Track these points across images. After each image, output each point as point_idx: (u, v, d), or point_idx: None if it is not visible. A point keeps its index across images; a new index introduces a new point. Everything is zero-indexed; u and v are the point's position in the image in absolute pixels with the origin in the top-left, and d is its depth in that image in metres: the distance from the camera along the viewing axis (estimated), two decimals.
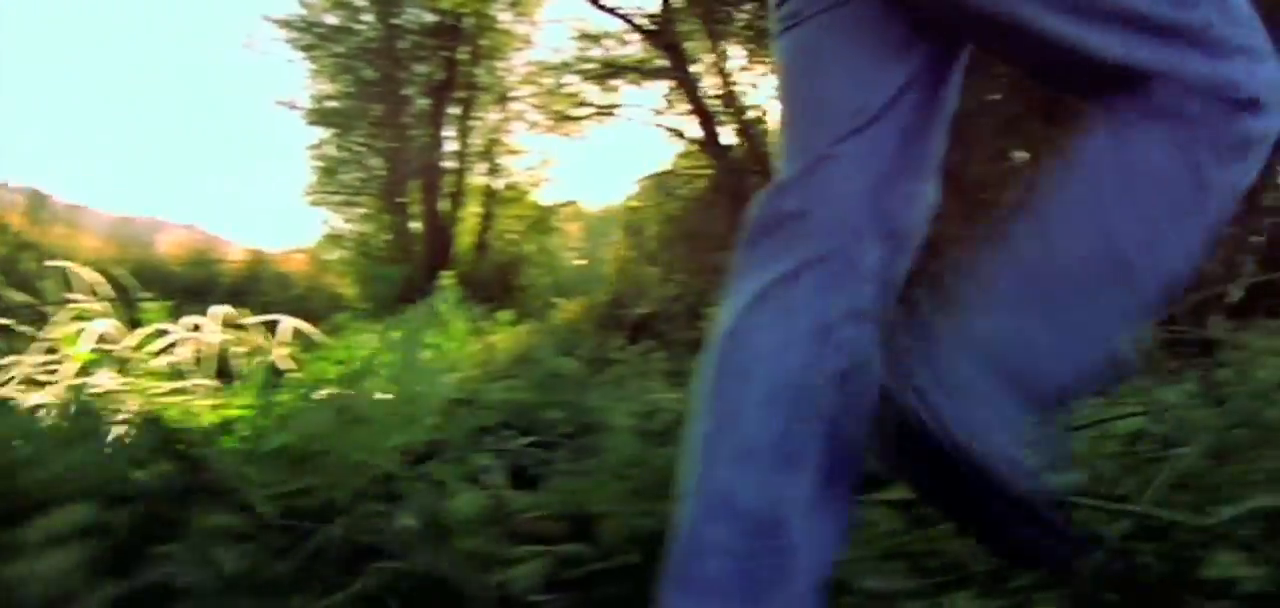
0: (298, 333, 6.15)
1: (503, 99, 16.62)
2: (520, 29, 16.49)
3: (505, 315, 7.73)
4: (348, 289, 15.86)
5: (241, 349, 4.92)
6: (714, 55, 9.27)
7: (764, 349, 1.46)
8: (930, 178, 1.58)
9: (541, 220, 16.52)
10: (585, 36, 12.00)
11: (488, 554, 2.23)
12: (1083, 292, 1.32)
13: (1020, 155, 9.92)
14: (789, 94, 1.58)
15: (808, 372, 1.43)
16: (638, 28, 9.93)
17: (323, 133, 17.57)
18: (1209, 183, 1.29)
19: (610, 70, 11.04)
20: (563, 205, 17.80)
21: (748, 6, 9.28)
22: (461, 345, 6.35)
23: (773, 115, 9.55)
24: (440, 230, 15.69)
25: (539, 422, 4.67)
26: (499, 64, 16.68)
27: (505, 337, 7.41)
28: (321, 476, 2.52)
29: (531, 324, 9.02)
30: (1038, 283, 1.33)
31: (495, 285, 14.11)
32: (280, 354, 4.63)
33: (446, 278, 6.64)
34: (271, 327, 5.27)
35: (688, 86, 9.26)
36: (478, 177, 16.69)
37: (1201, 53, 1.29)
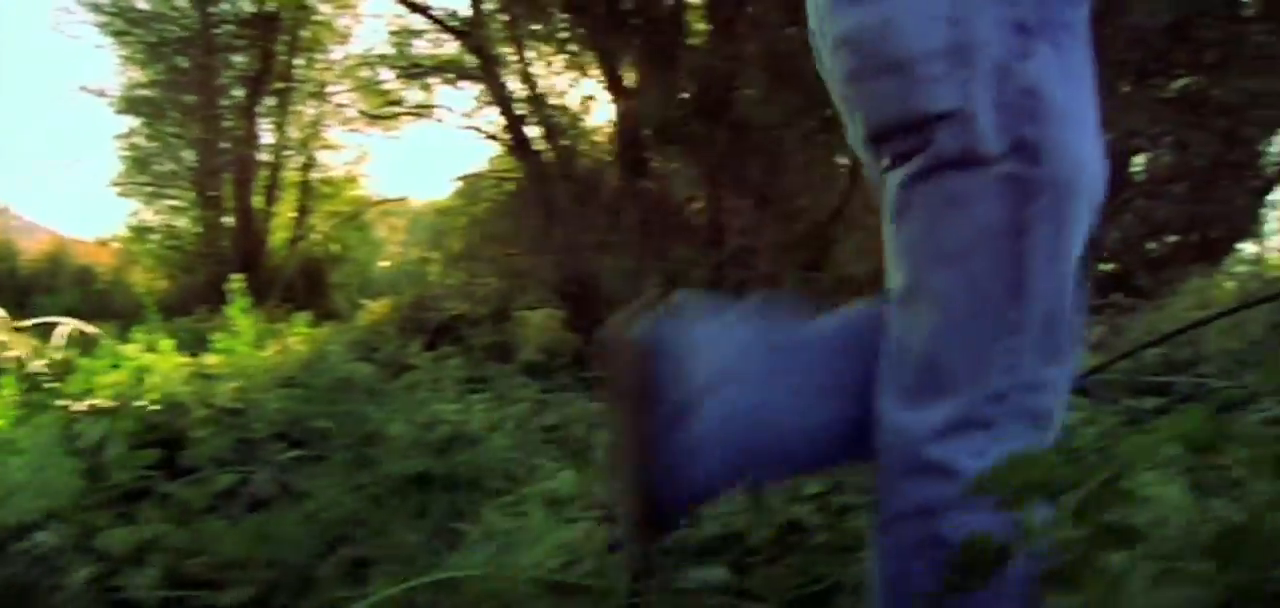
0: (80, 334, 5.97)
1: (320, 93, 16.34)
2: (340, 22, 16.28)
3: (302, 317, 7.60)
4: (155, 284, 15.40)
5: (10, 354, 4.78)
6: (520, 59, 9.27)
7: None
8: None
9: (354, 217, 16.31)
10: (403, 32, 11.88)
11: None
12: None
13: (840, 163, 10.18)
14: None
15: None
16: (447, 27, 9.87)
17: (133, 121, 17.02)
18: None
19: (423, 69, 10.94)
20: (388, 202, 17.61)
21: (556, 12, 9.31)
22: (250, 350, 6.23)
23: (585, 119, 9.61)
24: (253, 226, 15.35)
25: (315, 433, 4.62)
26: (317, 57, 16.40)
27: (302, 339, 7.30)
28: None
29: (333, 326, 8.89)
30: None
31: (307, 283, 13.88)
32: (40, 362, 4.51)
33: (236, 280, 6.52)
34: (48, 328, 5.12)
35: (497, 89, 9.24)
36: (293, 171, 16.38)
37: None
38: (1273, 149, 10.84)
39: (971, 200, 1.39)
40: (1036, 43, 1.37)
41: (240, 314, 6.23)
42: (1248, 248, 14.79)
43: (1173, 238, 10.48)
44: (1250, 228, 12.37)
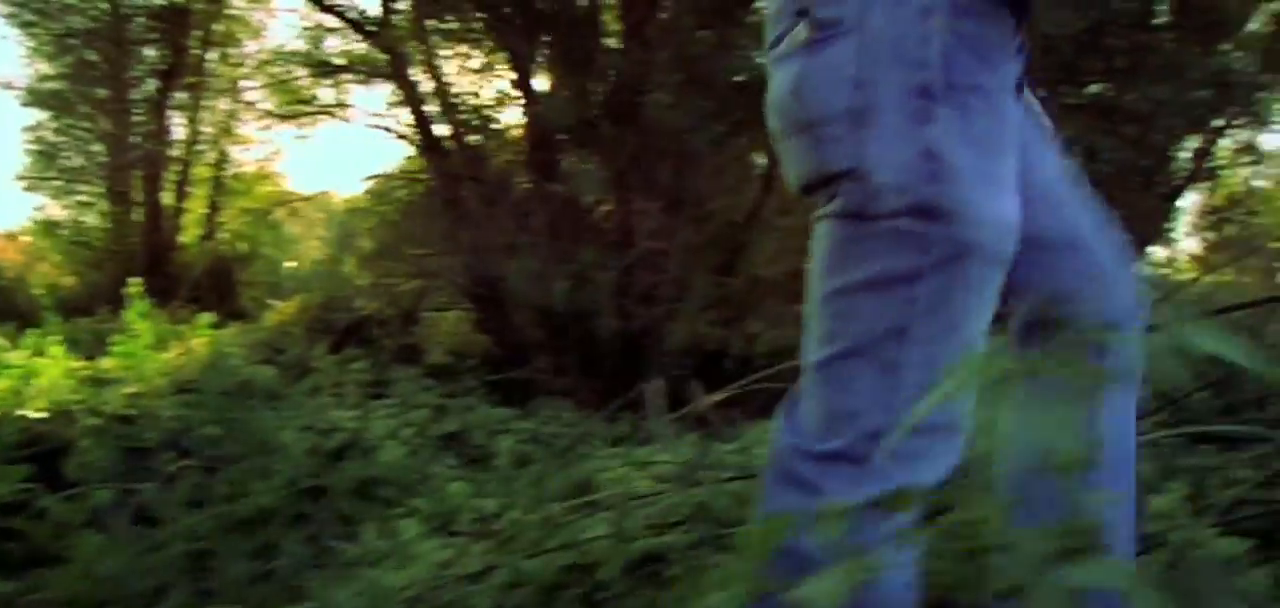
0: None
1: (233, 88, 16.10)
2: (254, 17, 16.06)
3: (206, 317, 7.48)
4: (62, 280, 15.11)
5: None
6: (429, 59, 9.20)
7: None
8: None
9: (266, 214, 16.08)
10: (318, 28, 11.72)
11: None
12: None
13: (755, 164, 10.21)
14: None
15: None
16: (356, 25, 9.78)
17: (40, 114, 16.65)
18: None
19: (334, 67, 10.80)
20: (301, 199, 17.38)
21: (467, 10, 9.25)
22: (149, 353, 6.13)
23: (496, 120, 9.56)
24: (162, 222, 15.09)
25: (209, 441, 4.55)
26: (231, 51, 16.16)
27: (205, 341, 7.19)
28: None
29: (238, 327, 8.77)
30: None
31: (217, 282, 13.68)
32: None
33: (134, 284, 6.41)
34: None
35: (407, 88, 9.17)
36: (205, 167, 16.11)
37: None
38: (1182, 155, 11.08)
39: (866, 249, 1.45)
40: (940, 107, 1.43)
41: (138, 318, 6.13)
42: (1158, 252, 15.20)
43: None
44: (1160, 232, 12.68)
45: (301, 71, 12.19)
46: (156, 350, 6.32)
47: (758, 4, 9.32)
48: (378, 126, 10.29)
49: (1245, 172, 15.14)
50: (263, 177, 16.83)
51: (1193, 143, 10.90)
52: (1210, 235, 16.43)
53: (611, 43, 9.07)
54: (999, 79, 1.51)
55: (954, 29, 1.45)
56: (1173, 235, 15.45)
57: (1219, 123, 10.78)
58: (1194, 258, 16.71)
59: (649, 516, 2.50)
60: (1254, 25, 11.08)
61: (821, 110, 1.47)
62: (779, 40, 1.58)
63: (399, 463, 4.32)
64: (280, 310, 9.99)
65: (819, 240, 1.53)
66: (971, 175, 1.43)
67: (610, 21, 9.16)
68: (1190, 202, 15.52)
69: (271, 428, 4.66)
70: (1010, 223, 1.48)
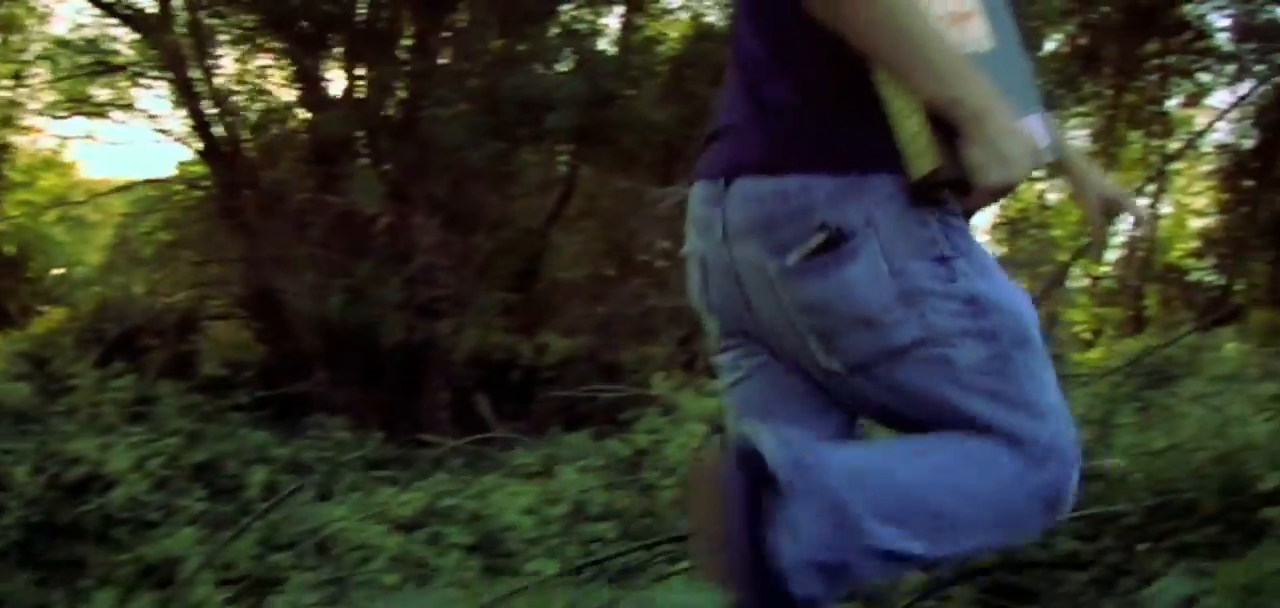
0: None
1: (16, 75, 15.37)
2: (39, 2, 15.33)
3: None
4: None
5: None
6: (206, 63, 8.98)
7: None
8: None
9: (43, 212, 15.30)
10: (103, 18, 11.30)
11: None
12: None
13: (564, 161, 10.18)
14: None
15: None
16: (132, 21, 9.48)
17: None
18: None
19: (113, 66, 10.43)
20: (78, 203, 16.41)
21: (251, 17, 9.06)
22: None
23: (277, 128, 9.39)
24: None
25: None
26: (14, 37, 15.42)
27: None
28: None
29: (1, 337, 8.36)
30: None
31: None
32: None
33: None
34: None
35: (186, 91, 8.92)
36: None
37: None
38: None
39: (964, 398, 1.71)
40: (956, 262, 1.72)
41: None
42: None
43: None
44: None
45: (84, 62, 11.74)
46: None
47: (561, 13, 9.34)
48: (158, 129, 9.98)
49: (1040, 186, 15.84)
50: (51, 166, 16.06)
51: None
52: (1003, 248, 17.06)
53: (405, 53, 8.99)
54: (969, 238, 1.79)
55: (934, 207, 1.73)
56: None
57: None
58: None
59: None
60: (1051, 46, 11.78)
61: (878, 304, 1.71)
62: (785, 247, 1.75)
63: (138, 501, 4.21)
64: (48, 318, 9.57)
65: (898, 380, 1.75)
66: (997, 292, 1.74)
67: (407, 31, 9.06)
68: (986, 215, 16.13)
69: (7, 459, 4.49)
70: (1030, 306, 1.79)
